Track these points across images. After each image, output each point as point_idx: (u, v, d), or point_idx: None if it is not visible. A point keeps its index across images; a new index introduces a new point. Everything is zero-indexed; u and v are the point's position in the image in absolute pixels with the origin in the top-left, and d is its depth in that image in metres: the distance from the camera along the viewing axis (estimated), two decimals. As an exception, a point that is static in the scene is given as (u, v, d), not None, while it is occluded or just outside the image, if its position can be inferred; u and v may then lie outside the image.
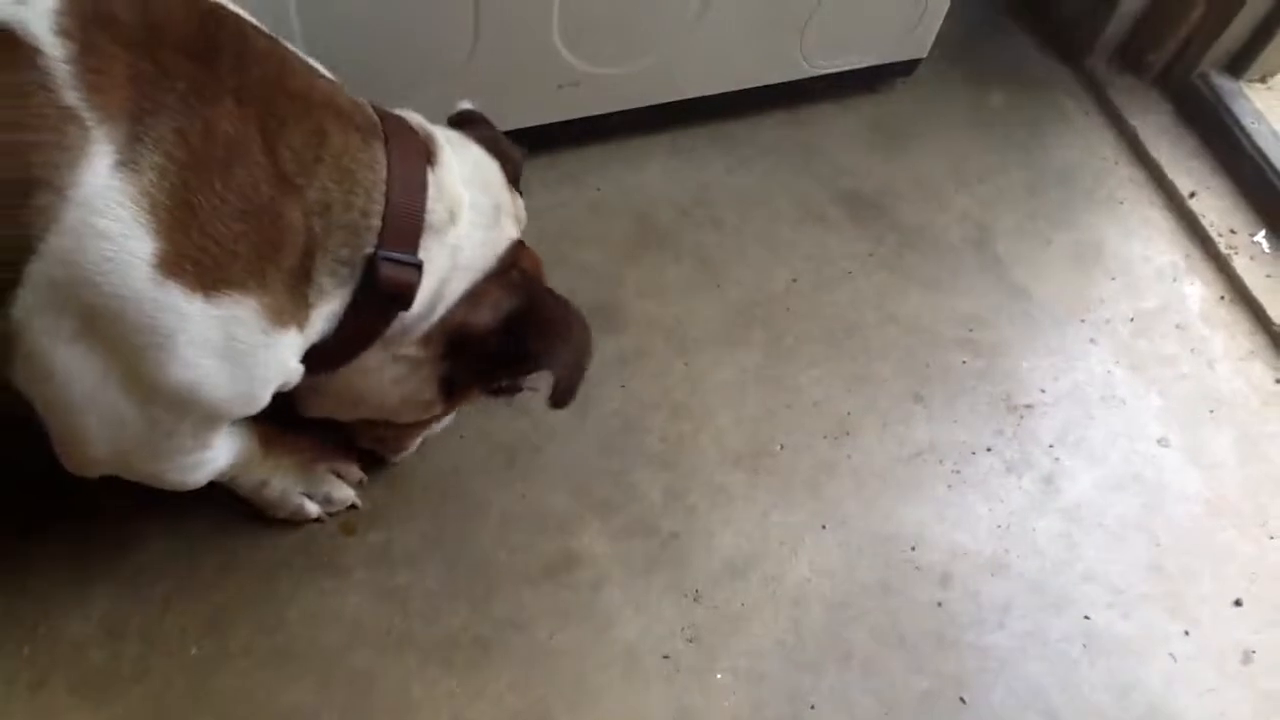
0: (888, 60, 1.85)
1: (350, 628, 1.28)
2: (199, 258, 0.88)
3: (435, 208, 1.06)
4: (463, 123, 1.24)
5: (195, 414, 1.00)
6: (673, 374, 1.54)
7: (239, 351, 0.95)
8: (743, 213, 1.73)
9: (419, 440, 1.37)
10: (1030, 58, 2.06)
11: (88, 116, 0.82)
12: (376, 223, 1.01)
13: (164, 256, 0.86)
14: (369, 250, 1.01)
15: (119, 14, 0.86)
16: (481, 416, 1.44)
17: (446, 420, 1.37)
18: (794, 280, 1.66)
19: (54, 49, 0.82)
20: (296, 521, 1.33)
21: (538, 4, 1.44)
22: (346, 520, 1.35)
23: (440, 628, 1.29)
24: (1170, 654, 1.38)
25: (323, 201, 0.98)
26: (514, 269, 1.16)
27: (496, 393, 1.41)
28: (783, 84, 1.78)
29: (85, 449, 1.01)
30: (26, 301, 0.86)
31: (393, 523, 1.36)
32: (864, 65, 1.83)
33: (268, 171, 0.92)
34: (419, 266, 1.04)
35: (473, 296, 1.12)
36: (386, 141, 1.04)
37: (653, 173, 1.75)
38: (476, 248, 1.11)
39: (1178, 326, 1.69)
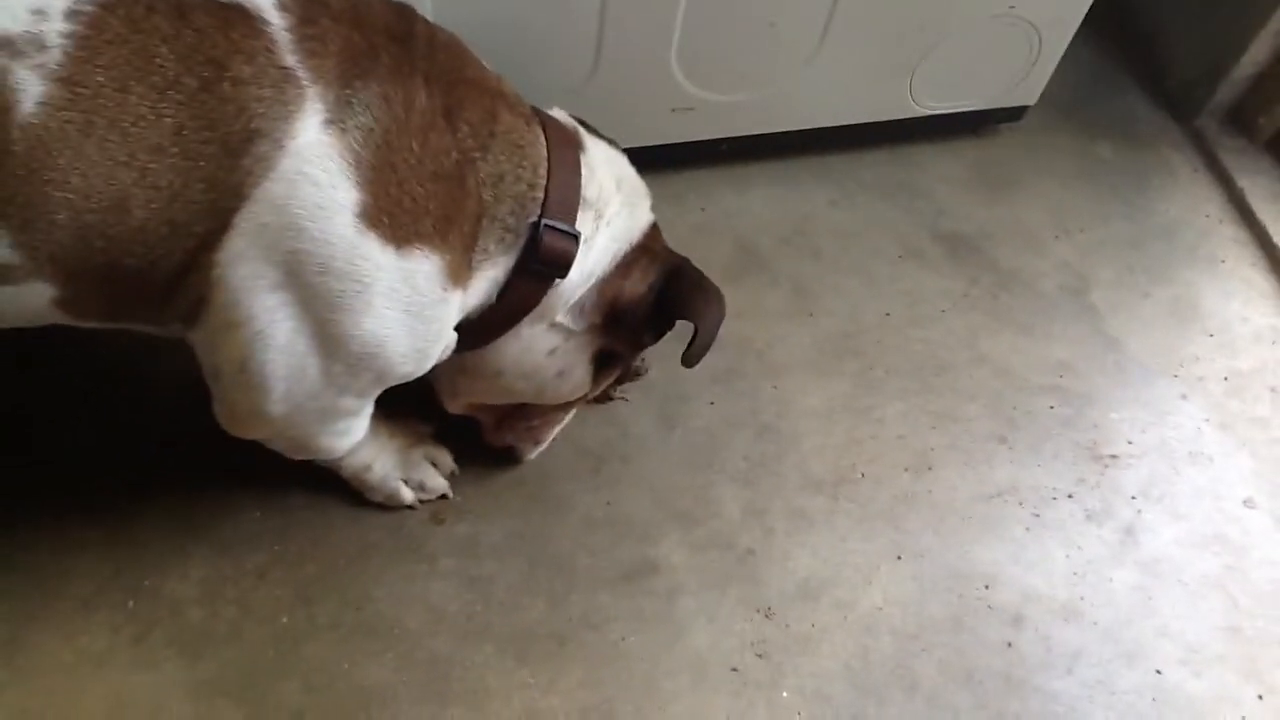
0: (996, 105, 1.86)
1: (432, 612, 1.33)
2: (395, 212, 0.99)
3: (589, 185, 1.17)
4: None
5: (371, 371, 1.09)
6: (761, 395, 1.57)
7: (420, 306, 1.05)
8: (841, 245, 1.76)
9: (553, 435, 1.43)
10: (1140, 112, 2.06)
11: (304, 77, 0.93)
12: (540, 195, 1.12)
13: (365, 207, 0.97)
14: (533, 219, 1.12)
15: None
16: (572, 424, 1.48)
17: (569, 417, 1.44)
18: (887, 314, 1.68)
19: (277, 19, 0.94)
20: (390, 506, 1.38)
21: (659, 31, 1.49)
22: (437, 510, 1.40)
23: (518, 620, 1.33)
24: (1242, 717, 1.37)
25: (495, 173, 1.08)
26: (655, 243, 1.27)
27: (600, 398, 1.47)
28: (889, 121, 1.81)
29: (260, 404, 1.08)
30: (234, 248, 0.95)
31: (480, 517, 1.41)
32: (972, 109, 1.85)
33: (453, 141, 1.03)
34: (577, 236, 1.14)
35: (623, 267, 1.23)
36: (544, 127, 1.15)
37: (756, 199, 1.79)
38: (624, 223, 1.22)
39: (1272, 389, 1.68)
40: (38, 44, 0.85)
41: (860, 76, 1.69)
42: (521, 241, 1.12)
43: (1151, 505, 1.53)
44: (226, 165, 0.92)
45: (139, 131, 0.89)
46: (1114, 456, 1.57)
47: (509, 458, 1.44)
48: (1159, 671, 1.39)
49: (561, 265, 1.15)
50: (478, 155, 1.06)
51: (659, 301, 1.24)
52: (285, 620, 1.30)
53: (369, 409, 1.21)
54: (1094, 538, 1.49)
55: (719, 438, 1.52)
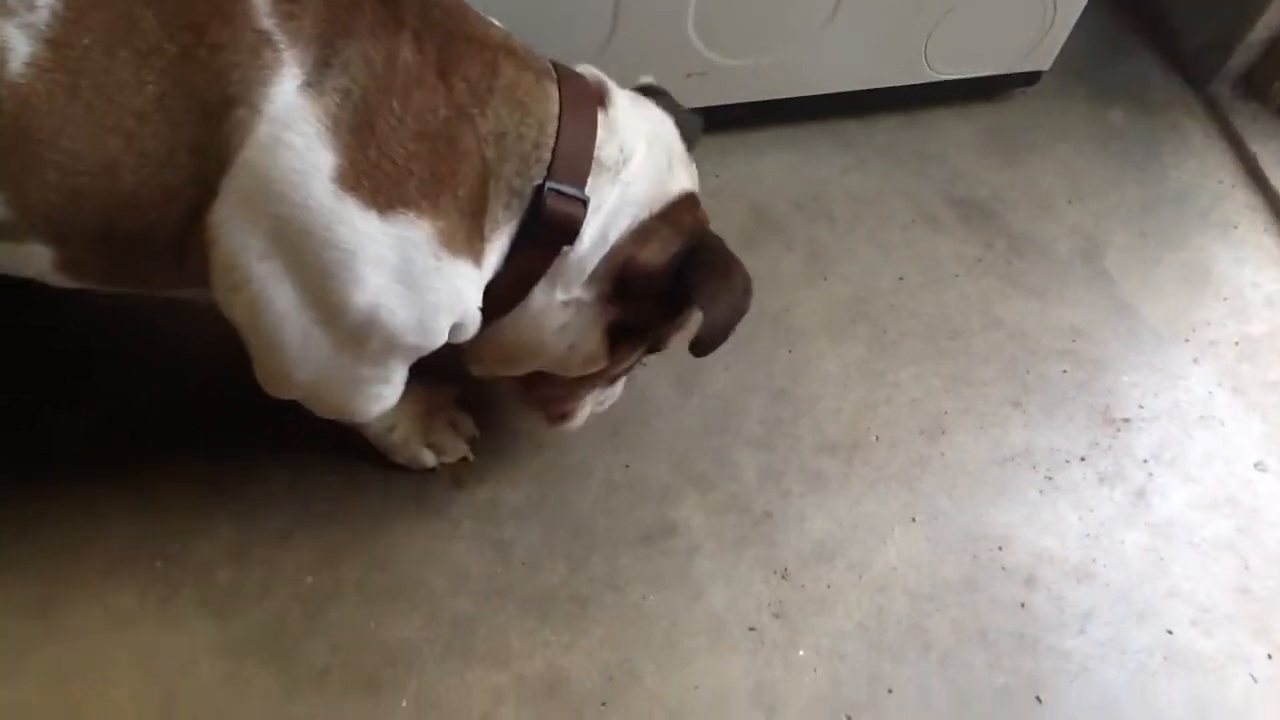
0: (1010, 70, 1.87)
1: (456, 573, 1.35)
2: (375, 175, 0.96)
3: (606, 146, 1.10)
4: (646, 93, 1.27)
5: (376, 339, 1.06)
6: (777, 360, 1.58)
7: (413, 274, 1.01)
8: (855, 210, 1.76)
9: (585, 410, 1.37)
10: (1153, 78, 2.06)
11: (280, 40, 0.91)
12: (547, 155, 1.06)
13: (342, 171, 0.94)
14: (538, 181, 1.06)
15: None
16: (590, 386, 1.50)
17: (614, 394, 1.41)
18: (901, 279, 1.69)
19: None
20: (412, 468, 1.40)
21: (676, -6, 1.50)
22: (458, 473, 1.42)
23: (540, 581, 1.35)
24: (1251, 675, 1.39)
25: (496, 130, 1.03)
26: (685, 215, 1.18)
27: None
28: (904, 87, 1.81)
29: (283, 370, 1.09)
30: (223, 213, 0.95)
31: (501, 480, 1.43)
32: (986, 74, 1.85)
33: (444, 98, 0.99)
34: (585, 201, 1.08)
35: (641, 234, 1.14)
36: (559, 83, 1.10)
37: (770, 165, 1.79)
38: (646, 186, 1.14)
39: (1284, 355, 1.69)
40: (27, 3, 0.86)
41: (875, 41, 1.69)
42: (526, 205, 1.07)
43: (1163, 468, 1.55)
44: (208, 131, 0.92)
45: (124, 97, 0.89)
46: (1126, 420, 1.59)
47: (542, 428, 1.41)
48: (1170, 631, 1.41)
49: (567, 231, 1.09)
50: (475, 112, 1.02)
51: (679, 275, 1.15)
52: (311, 581, 1.32)
53: (400, 376, 1.18)
54: (1106, 500, 1.51)
55: (735, 402, 1.54)
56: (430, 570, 1.35)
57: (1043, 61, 1.87)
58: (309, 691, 1.25)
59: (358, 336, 1.05)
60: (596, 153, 1.10)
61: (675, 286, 1.15)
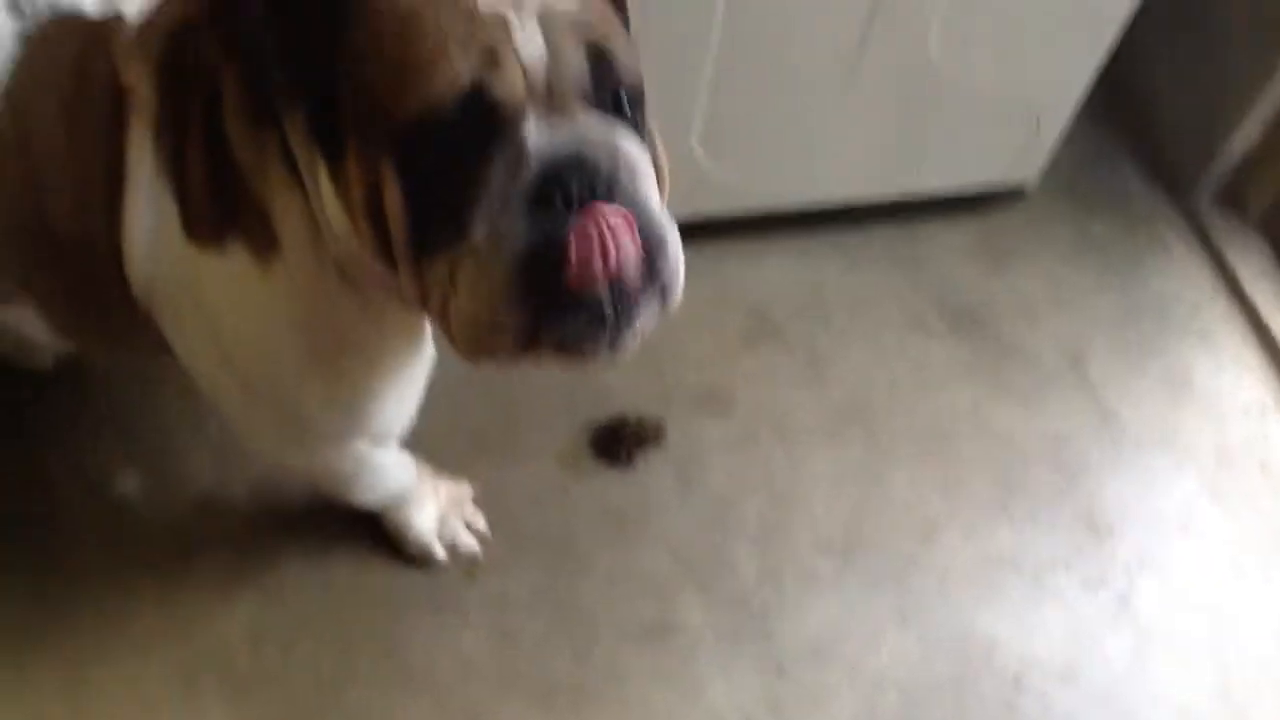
0: (998, 182, 1.96)
1: (464, 663, 1.40)
2: (208, 215, 0.94)
3: None
4: None
5: (284, 405, 1.06)
6: (774, 460, 1.65)
7: (252, 305, 0.98)
8: (851, 315, 1.84)
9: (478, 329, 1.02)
10: (1136, 190, 2.15)
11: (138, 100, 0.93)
12: None
13: (186, 219, 0.94)
14: None
15: None
16: (595, 485, 1.56)
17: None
18: (894, 383, 1.77)
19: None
20: (424, 561, 1.46)
21: (680, 114, 1.58)
22: (469, 566, 1.48)
23: (544, 672, 1.41)
24: (1229, 777, 1.44)
25: None
26: None
27: (614, 461, 1.54)
28: (897, 197, 1.90)
29: (243, 437, 1.16)
30: (135, 280, 0.99)
31: (509, 572, 1.48)
32: (975, 186, 1.94)
33: None
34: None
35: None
36: None
37: (770, 270, 1.87)
38: None
39: (1261, 463, 1.76)
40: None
41: (869, 155, 1.79)
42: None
43: (1145, 573, 1.61)
44: (106, 189, 0.94)
45: (46, 150, 0.94)
46: (1109, 525, 1.65)
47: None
48: (1151, 733, 1.47)
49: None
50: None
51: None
52: (326, 666, 1.37)
53: (382, 460, 1.23)
54: (1090, 604, 1.57)
55: (734, 500, 1.60)
56: (440, 658, 1.40)
57: (1029, 175, 1.96)
58: (322, 777, 1.30)
59: (284, 414, 1.07)
60: None
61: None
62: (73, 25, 0.96)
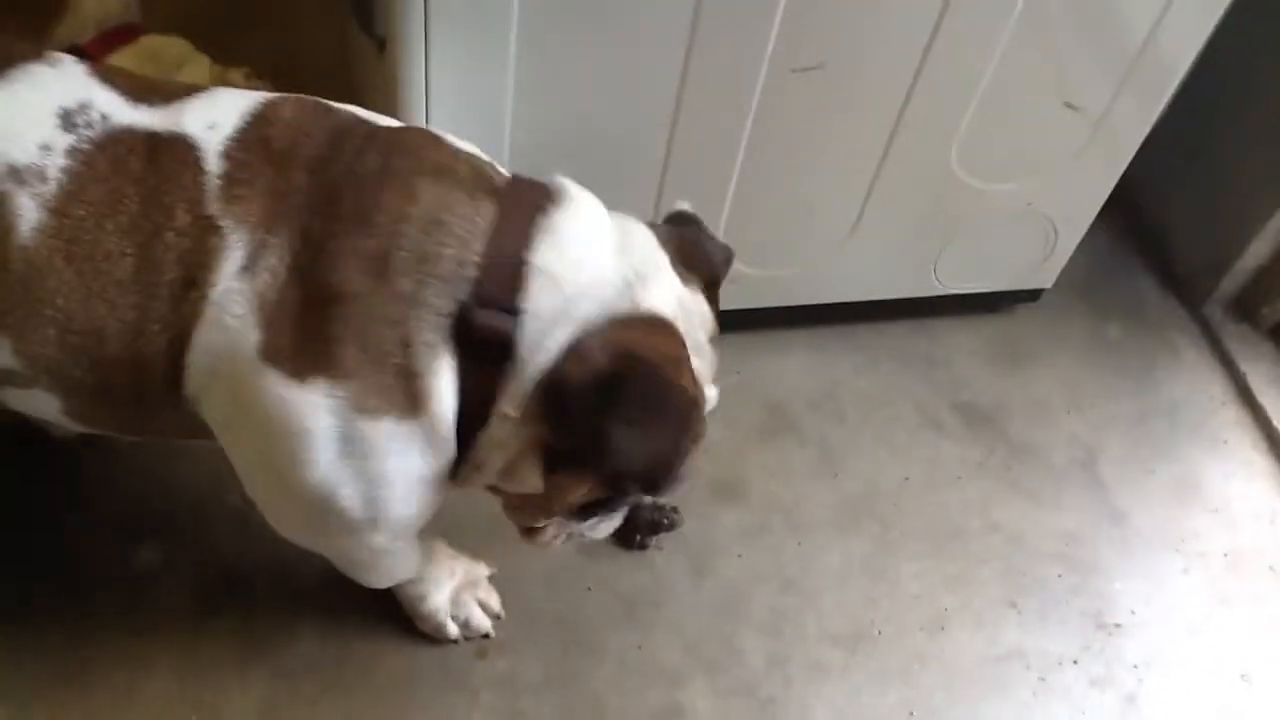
0: (1014, 287, 2.00)
1: (473, 743, 1.42)
2: (290, 346, 1.00)
3: (544, 253, 1.03)
4: (676, 221, 1.25)
5: (333, 518, 1.09)
6: (786, 551, 1.67)
7: (347, 443, 1.02)
8: (866, 411, 1.88)
9: (555, 537, 1.29)
10: (1150, 297, 2.19)
11: (225, 226, 1.00)
12: (472, 271, 1.01)
13: (265, 346, 1.00)
14: (462, 298, 1.01)
15: (273, 139, 1.04)
16: (608, 568, 1.59)
17: (594, 529, 1.29)
18: (906, 479, 1.80)
19: (214, 166, 1.01)
20: (436, 639, 1.49)
21: (708, 212, 1.63)
22: (480, 645, 1.50)
23: (552, 755, 1.43)
24: None
25: (417, 256, 1.00)
26: (639, 337, 1.06)
27: (628, 545, 1.57)
28: (914, 298, 1.95)
29: (276, 527, 1.19)
30: (192, 385, 1.05)
31: (520, 654, 1.51)
32: (991, 289, 1.99)
33: (346, 255, 1.00)
34: (516, 313, 1.02)
35: (579, 352, 1.03)
36: (500, 197, 1.06)
37: (788, 364, 1.92)
38: (596, 301, 1.04)
39: (1270, 567, 1.77)
40: (40, 175, 0.99)
41: (889, 258, 1.84)
42: (454, 324, 1.01)
43: (1153, 675, 1.62)
44: (173, 308, 1.00)
45: (108, 266, 0.99)
46: (1118, 625, 1.66)
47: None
48: (1156, 838, 1.46)
49: (498, 346, 1.02)
50: (391, 246, 1.00)
51: (602, 400, 1.02)
52: (336, 742, 1.40)
53: (399, 550, 1.25)
54: (1097, 704, 1.57)
55: (745, 589, 1.62)
56: (449, 739, 1.42)
57: (1045, 280, 2.01)
58: None
59: (317, 512, 1.09)
60: (534, 260, 1.03)
61: (597, 415, 1.03)
62: (131, 142, 1.02)
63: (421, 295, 1.00)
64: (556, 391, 1.03)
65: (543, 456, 1.09)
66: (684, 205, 1.27)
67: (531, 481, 1.12)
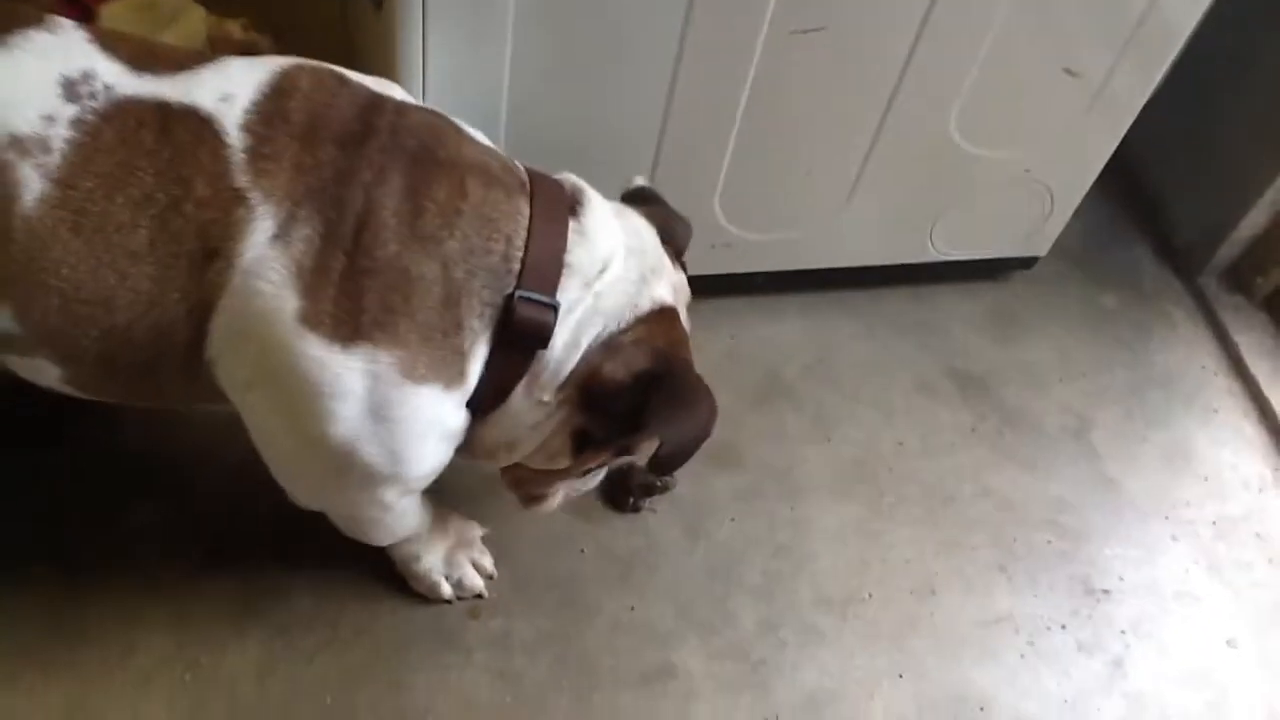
0: (1010, 254, 2.01)
1: (465, 702, 1.43)
2: (335, 312, 1.04)
3: (577, 251, 1.14)
4: (635, 198, 1.35)
5: (355, 471, 1.13)
6: (779, 515, 1.68)
7: (381, 405, 1.08)
8: (860, 376, 1.88)
9: (556, 499, 1.40)
10: (1145, 267, 2.19)
11: (253, 198, 1.02)
12: (516, 265, 1.10)
13: (306, 312, 1.03)
14: (508, 291, 1.10)
15: (292, 112, 1.06)
16: (603, 531, 1.60)
17: (588, 485, 1.44)
18: (900, 444, 1.80)
19: (236, 139, 1.03)
20: (430, 598, 1.49)
21: (704, 177, 1.64)
22: (474, 605, 1.51)
23: (543, 714, 1.43)
24: None
25: (466, 249, 1.08)
26: (657, 332, 1.20)
27: (622, 508, 1.58)
28: (910, 264, 1.95)
29: (287, 486, 1.22)
30: (214, 350, 1.07)
31: (514, 614, 1.51)
32: (987, 257, 1.99)
33: (397, 233, 1.05)
34: (555, 307, 1.12)
35: (609, 347, 1.17)
36: (533, 194, 1.15)
37: (784, 329, 1.92)
38: (616, 299, 1.17)
39: (1258, 535, 1.79)
40: (43, 146, 0.99)
41: (885, 222, 1.84)
42: (498, 313, 1.11)
43: (1140, 640, 1.63)
44: (194, 278, 1.02)
45: (119, 238, 1.00)
46: (1106, 591, 1.68)
47: (518, 508, 1.43)
48: (1141, 800, 1.48)
49: (538, 336, 1.12)
50: (445, 234, 1.07)
51: (641, 395, 1.16)
52: (330, 701, 1.40)
53: (403, 507, 1.28)
54: (1084, 668, 1.59)
55: (739, 552, 1.63)
56: (441, 697, 1.43)
57: (1041, 247, 2.01)
58: (323, 807, 1.32)
59: (339, 467, 1.13)
60: (568, 259, 1.13)
61: (636, 407, 1.16)
62: (139, 114, 1.02)
63: (471, 285, 1.09)
64: (598, 386, 1.16)
65: (573, 438, 1.23)
66: (641, 180, 1.39)
67: (560, 460, 1.26)
